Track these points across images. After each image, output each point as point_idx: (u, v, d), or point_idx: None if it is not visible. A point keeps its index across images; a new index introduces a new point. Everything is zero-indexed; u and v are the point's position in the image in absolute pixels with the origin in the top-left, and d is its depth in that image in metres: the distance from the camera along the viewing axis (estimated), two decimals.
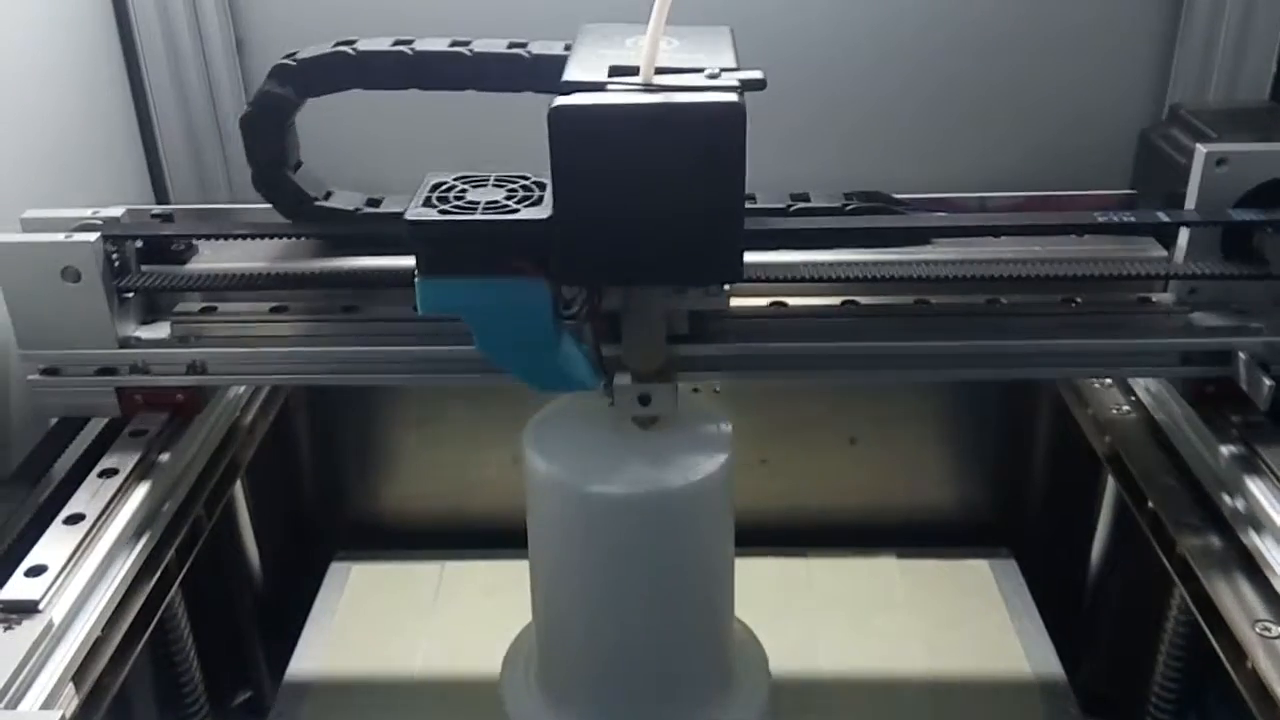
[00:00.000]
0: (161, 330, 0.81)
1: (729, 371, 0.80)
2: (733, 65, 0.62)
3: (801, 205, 0.80)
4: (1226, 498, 0.74)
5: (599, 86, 0.59)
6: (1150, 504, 0.79)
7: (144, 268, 0.81)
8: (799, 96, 1.04)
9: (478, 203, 0.63)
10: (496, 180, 0.66)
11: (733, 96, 0.58)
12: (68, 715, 0.62)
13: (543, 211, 0.62)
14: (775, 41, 1.00)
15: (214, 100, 1.07)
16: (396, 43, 0.73)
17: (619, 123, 0.58)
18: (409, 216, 0.62)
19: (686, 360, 0.77)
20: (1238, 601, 0.68)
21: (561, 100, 0.58)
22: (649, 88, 0.59)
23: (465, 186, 0.65)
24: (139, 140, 1.08)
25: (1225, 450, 0.75)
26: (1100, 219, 0.76)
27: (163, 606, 0.76)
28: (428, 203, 0.63)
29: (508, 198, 0.64)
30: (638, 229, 0.61)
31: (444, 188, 0.65)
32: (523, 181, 0.66)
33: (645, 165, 0.59)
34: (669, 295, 0.71)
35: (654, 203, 0.60)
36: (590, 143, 0.58)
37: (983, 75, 1.05)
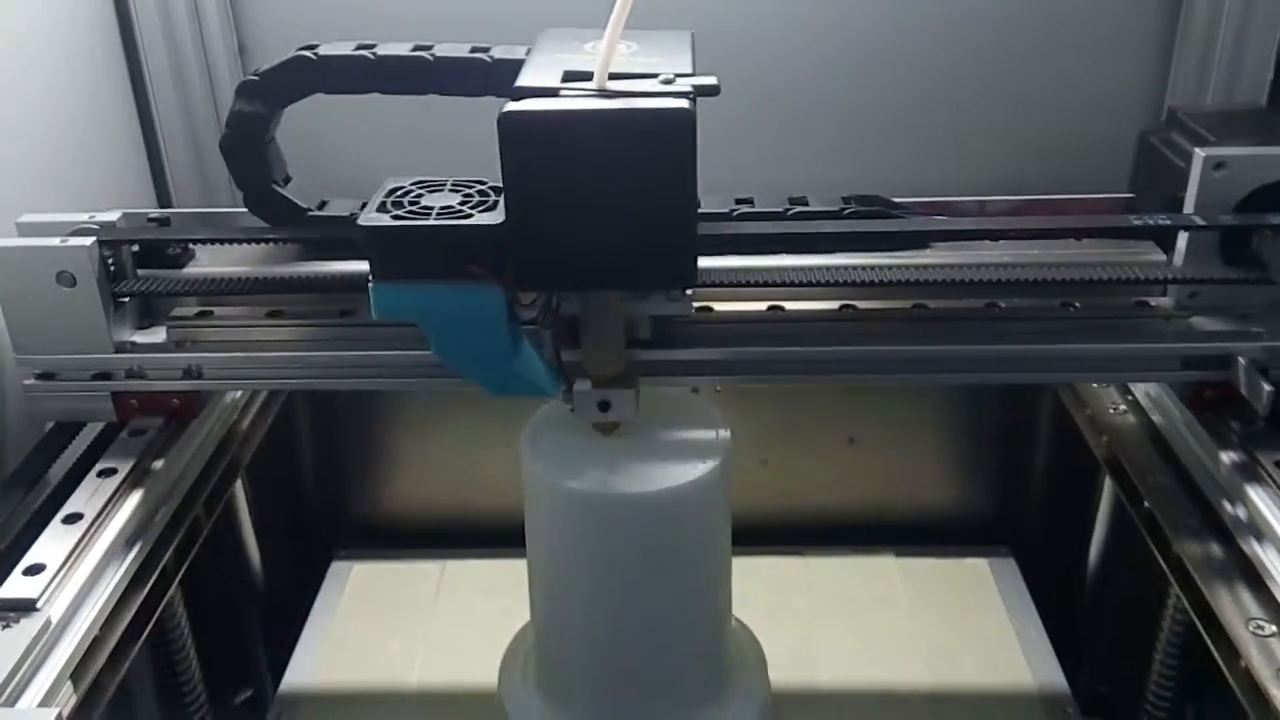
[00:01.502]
0: (157, 335, 0.81)
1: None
2: (688, 70, 0.62)
3: (799, 209, 0.79)
4: (1223, 500, 0.74)
5: (551, 92, 0.59)
6: (1146, 504, 0.79)
7: (140, 272, 0.81)
8: (795, 100, 1.04)
9: (432, 208, 0.63)
10: (453, 185, 0.66)
11: (683, 103, 0.58)
12: (65, 713, 0.62)
13: (496, 217, 0.62)
14: (773, 45, 1.00)
15: (216, 104, 1.07)
16: (359, 47, 0.73)
17: (567, 129, 0.58)
18: (361, 221, 0.62)
19: (649, 365, 0.76)
20: (1232, 600, 0.68)
21: (511, 106, 0.58)
22: (601, 93, 0.59)
23: (421, 191, 0.65)
24: (141, 144, 1.08)
25: (1224, 454, 0.75)
26: (1100, 223, 0.76)
27: (162, 605, 0.76)
28: (382, 207, 0.63)
29: (463, 203, 0.63)
30: (590, 234, 0.61)
31: (400, 192, 0.65)
32: (479, 186, 0.65)
33: (595, 171, 0.59)
34: (628, 300, 0.71)
35: (605, 208, 0.60)
36: (540, 148, 0.58)
37: (980, 77, 1.05)
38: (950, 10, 1.03)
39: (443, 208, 0.63)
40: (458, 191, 0.65)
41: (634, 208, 0.59)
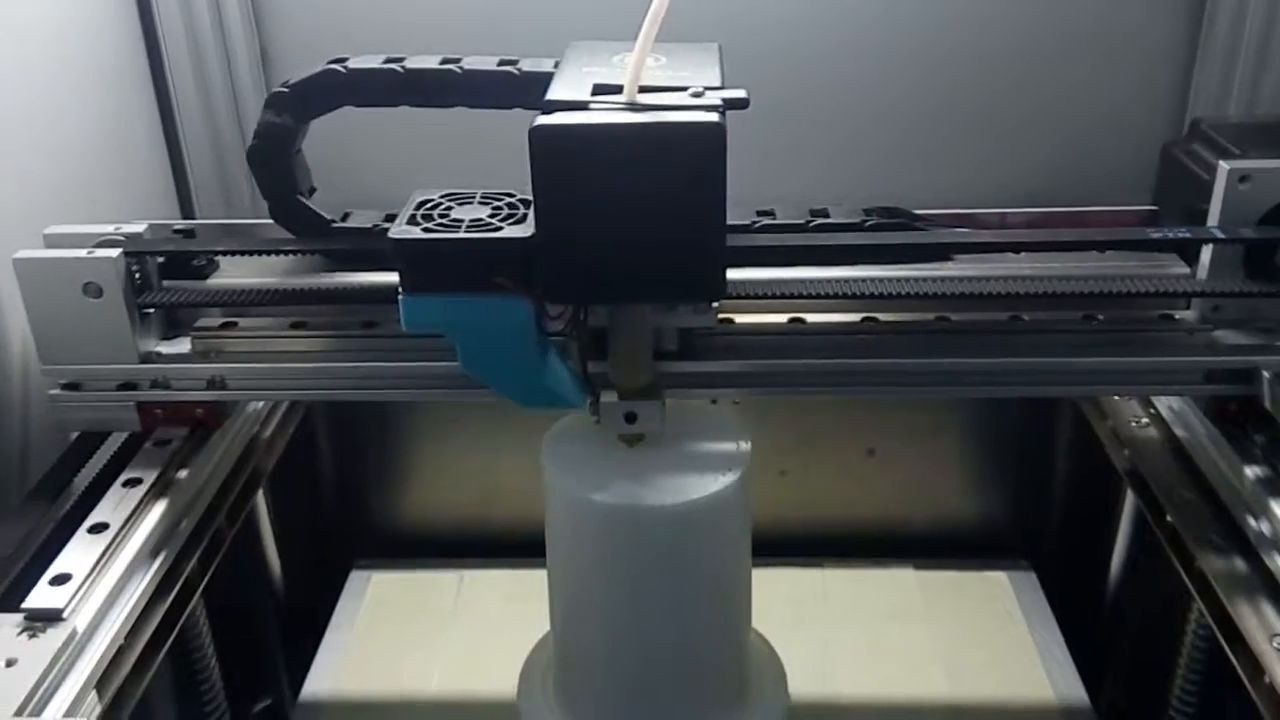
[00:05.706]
0: (182, 345, 0.81)
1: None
2: (718, 83, 0.62)
3: (821, 221, 0.79)
4: (1248, 515, 0.74)
5: (581, 105, 0.60)
6: (1169, 518, 0.78)
7: (165, 283, 0.82)
8: (814, 112, 1.04)
9: (462, 220, 0.63)
10: (482, 197, 0.66)
11: (714, 116, 0.58)
12: None
13: (526, 230, 0.62)
14: (793, 55, 1.00)
15: (239, 113, 1.08)
16: (388, 60, 0.74)
17: (598, 142, 0.59)
18: (392, 234, 0.62)
19: (675, 377, 0.76)
20: (1256, 616, 0.67)
21: (542, 119, 0.58)
22: (631, 106, 0.59)
23: (450, 204, 0.65)
24: (165, 154, 1.09)
25: (1248, 469, 0.75)
26: (1123, 236, 0.75)
27: (185, 615, 0.76)
28: (412, 220, 0.63)
29: (492, 215, 0.64)
30: (620, 247, 0.61)
31: (429, 205, 0.65)
32: (509, 199, 0.66)
33: (626, 184, 0.59)
34: (655, 312, 0.71)
35: (635, 221, 0.60)
36: (570, 162, 0.59)
37: (1000, 88, 1.05)
38: (970, 21, 1.03)
39: (472, 220, 0.63)
40: (486, 204, 0.65)
41: (664, 220, 0.60)
